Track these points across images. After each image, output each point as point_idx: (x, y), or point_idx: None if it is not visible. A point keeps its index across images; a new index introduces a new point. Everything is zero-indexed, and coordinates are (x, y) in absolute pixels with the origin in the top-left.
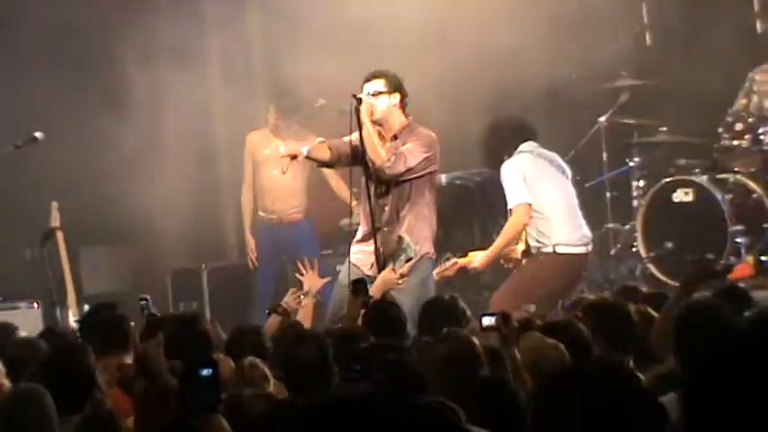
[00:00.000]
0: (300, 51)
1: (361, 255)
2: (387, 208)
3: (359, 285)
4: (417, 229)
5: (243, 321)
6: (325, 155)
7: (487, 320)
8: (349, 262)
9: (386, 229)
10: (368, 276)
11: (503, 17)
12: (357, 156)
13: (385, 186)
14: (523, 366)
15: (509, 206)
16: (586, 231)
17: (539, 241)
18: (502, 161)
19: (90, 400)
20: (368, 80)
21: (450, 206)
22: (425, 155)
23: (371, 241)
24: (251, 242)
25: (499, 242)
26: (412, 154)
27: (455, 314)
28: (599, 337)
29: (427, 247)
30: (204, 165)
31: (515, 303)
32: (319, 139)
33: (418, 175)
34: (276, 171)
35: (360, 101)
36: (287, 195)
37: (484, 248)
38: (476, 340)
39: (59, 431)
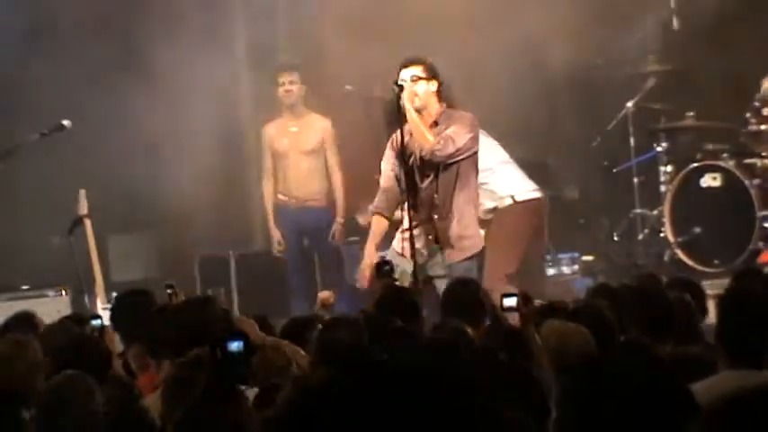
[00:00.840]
0: (329, 36)
1: (407, 243)
2: (435, 195)
3: (383, 268)
4: (467, 214)
5: (272, 308)
6: (385, 225)
7: (508, 301)
8: (396, 250)
9: (436, 216)
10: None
11: (529, 2)
12: (401, 163)
13: (431, 174)
14: (546, 350)
15: None
16: (532, 182)
17: (494, 200)
18: None
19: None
20: (405, 66)
21: None
22: (470, 135)
23: (419, 229)
24: (276, 233)
25: None
26: (458, 135)
27: (476, 300)
28: (635, 324)
29: (478, 236)
30: (231, 151)
31: (506, 266)
32: (370, 208)
33: (466, 155)
34: (300, 161)
35: (401, 88)
36: (310, 182)
37: None
38: (468, 329)
39: None
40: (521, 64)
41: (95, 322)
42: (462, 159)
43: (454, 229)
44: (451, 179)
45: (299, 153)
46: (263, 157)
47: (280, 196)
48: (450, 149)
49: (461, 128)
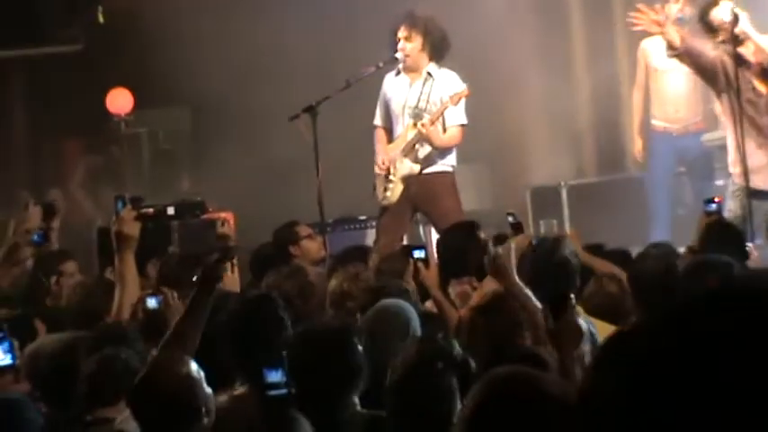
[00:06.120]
0: None
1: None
2: None
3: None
4: None
5: (605, 239)
6: None
7: None
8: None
9: None
10: None
11: None
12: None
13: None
14: None
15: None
16: None
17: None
18: None
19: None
20: None
21: None
22: None
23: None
24: (638, 143)
25: None
26: None
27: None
28: None
29: None
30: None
31: None
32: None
33: None
34: (677, 79)
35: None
36: (690, 104)
37: None
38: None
39: None
40: None
41: (418, 253)
42: None
43: None
44: None
45: (680, 72)
46: (637, 70)
47: (655, 122)
48: None
49: None
